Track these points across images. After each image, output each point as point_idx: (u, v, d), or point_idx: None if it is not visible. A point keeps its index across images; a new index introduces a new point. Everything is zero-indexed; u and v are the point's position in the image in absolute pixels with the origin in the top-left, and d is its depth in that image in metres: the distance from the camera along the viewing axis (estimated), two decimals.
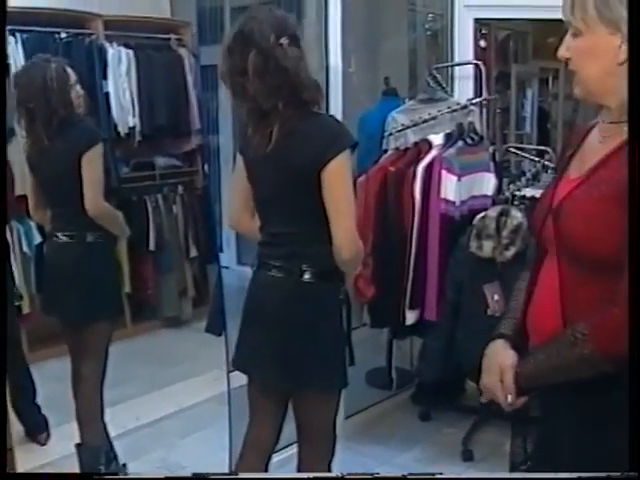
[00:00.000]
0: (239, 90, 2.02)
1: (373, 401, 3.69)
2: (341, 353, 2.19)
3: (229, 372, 3.02)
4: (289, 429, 2.33)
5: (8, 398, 2.53)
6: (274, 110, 2.02)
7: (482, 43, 5.78)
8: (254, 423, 2.35)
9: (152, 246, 4.76)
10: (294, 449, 2.35)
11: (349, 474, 1.44)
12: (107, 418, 2.90)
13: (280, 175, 2.06)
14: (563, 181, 1.48)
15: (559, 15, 3.86)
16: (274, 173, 2.07)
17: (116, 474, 1.80)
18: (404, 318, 3.12)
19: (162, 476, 2.21)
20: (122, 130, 4.56)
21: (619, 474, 1.30)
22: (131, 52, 4.63)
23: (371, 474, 1.45)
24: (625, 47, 1.33)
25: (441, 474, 1.52)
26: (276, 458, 2.46)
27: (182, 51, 4.91)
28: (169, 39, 4.95)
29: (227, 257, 5.08)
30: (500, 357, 1.53)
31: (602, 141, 1.42)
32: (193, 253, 4.94)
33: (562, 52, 1.43)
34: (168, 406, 3.71)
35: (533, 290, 1.52)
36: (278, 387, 2.25)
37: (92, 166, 2.62)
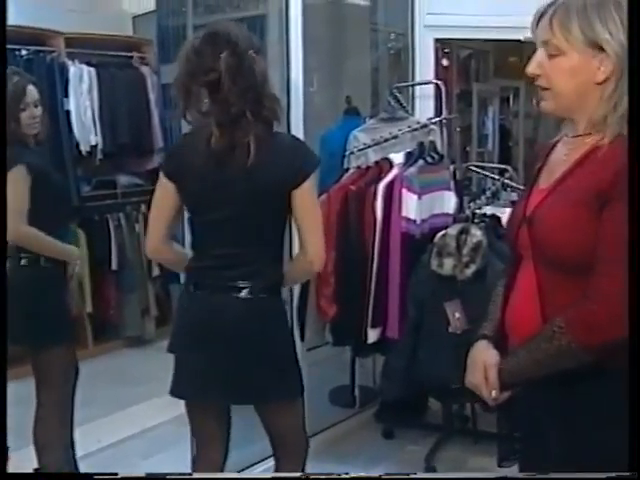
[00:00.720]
0: (210, 91, 2.02)
1: (337, 419, 3.68)
2: (296, 361, 2.25)
3: None
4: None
5: None
6: (244, 119, 2.02)
7: (444, 62, 5.85)
8: (203, 444, 2.36)
9: (114, 265, 4.72)
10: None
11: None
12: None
13: (250, 193, 2.06)
14: (534, 192, 1.56)
15: (518, 36, 3.92)
16: (243, 191, 2.06)
17: (115, 474, 1.80)
18: (366, 336, 3.13)
19: (162, 476, 2.19)
20: (84, 148, 4.53)
21: (619, 474, 1.36)
22: (93, 70, 4.61)
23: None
24: (604, 68, 1.41)
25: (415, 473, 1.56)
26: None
27: (144, 69, 4.91)
28: (131, 57, 4.95)
29: None
30: (483, 356, 1.61)
31: (567, 153, 1.51)
32: (156, 272, 4.90)
33: (533, 69, 1.49)
34: (131, 427, 3.67)
35: (510, 294, 1.60)
36: (240, 404, 2.29)
37: (8, 191, 2.40)
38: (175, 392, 2.25)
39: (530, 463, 1.65)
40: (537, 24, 1.48)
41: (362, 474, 3.22)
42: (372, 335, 3.15)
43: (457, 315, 3.00)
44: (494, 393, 1.55)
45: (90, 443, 3.39)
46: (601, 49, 1.41)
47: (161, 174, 2.18)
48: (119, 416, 3.81)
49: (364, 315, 3.11)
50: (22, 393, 2.89)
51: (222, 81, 1.98)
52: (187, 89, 2.04)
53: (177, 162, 2.15)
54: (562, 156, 1.53)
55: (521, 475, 1.48)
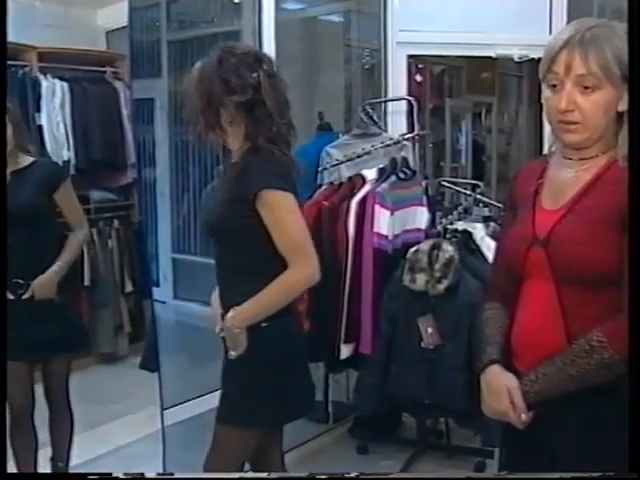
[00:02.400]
0: (247, 110, 2.04)
1: (310, 435, 3.66)
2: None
3: (163, 409, 2.99)
4: None
5: None
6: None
7: (418, 77, 5.91)
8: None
9: (87, 281, 4.67)
10: None
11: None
12: (40, 459, 2.85)
13: None
14: (539, 213, 1.59)
15: (490, 52, 3.94)
16: None
17: (109, 474, 1.79)
18: (339, 352, 3.14)
19: (160, 476, 2.20)
20: None
21: (619, 474, 1.40)
22: (65, 85, 4.59)
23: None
24: (625, 97, 1.47)
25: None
26: None
27: (118, 84, 4.89)
28: (105, 72, 4.93)
29: (164, 292, 5.02)
30: (504, 380, 1.59)
31: (576, 175, 1.55)
32: (129, 288, 4.87)
33: (567, 105, 1.49)
34: (103, 446, 3.63)
35: (519, 314, 1.61)
36: None
37: None
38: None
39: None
40: (557, 57, 1.49)
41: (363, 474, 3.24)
42: (345, 351, 3.15)
43: (430, 330, 3.02)
44: (524, 417, 1.55)
45: None
46: (626, 79, 1.45)
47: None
48: (91, 434, 3.75)
49: (337, 331, 3.12)
50: None
51: (262, 99, 2.01)
52: (217, 108, 2.04)
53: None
54: (570, 177, 1.56)
55: (521, 475, 1.48)
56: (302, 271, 2.08)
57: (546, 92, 1.55)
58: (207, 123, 2.06)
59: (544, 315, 1.55)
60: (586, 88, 1.47)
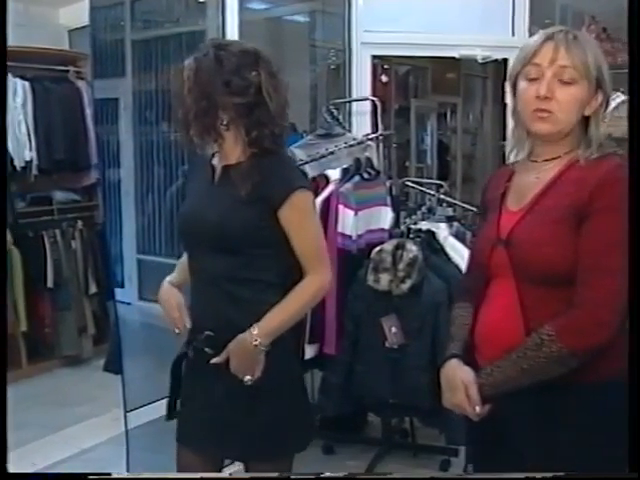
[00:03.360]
0: (244, 111, 1.93)
1: None
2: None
3: (126, 412, 2.98)
4: None
5: None
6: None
7: (384, 78, 5.94)
8: None
9: (50, 283, 4.62)
10: None
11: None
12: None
13: None
14: (504, 215, 1.64)
15: (453, 53, 3.97)
16: None
17: (109, 474, 1.77)
18: (303, 353, 3.13)
19: (159, 475, 2.13)
20: (18, 164, 4.44)
21: (619, 474, 1.45)
22: (27, 84, 4.52)
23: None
24: (595, 102, 1.57)
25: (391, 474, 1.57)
26: None
27: (81, 84, 4.83)
28: (67, 71, 4.87)
29: (129, 293, 4.98)
30: (460, 374, 1.64)
31: (538, 176, 1.60)
32: (93, 289, 4.81)
33: (546, 92, 1.54)
34: (66, 449, 3.58)
35: (482, 311, 1.66)
36: None
37: None
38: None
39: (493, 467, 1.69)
40: (539, 49, 1.56)
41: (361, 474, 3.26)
42: (309, 351, 3.15)
43: (394, 330, 3.03)
44: (478, 409, 1.59)
45: (24, 467, 3.29)
46: (598, 85, 1.56)
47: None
48: (54, 438, 3.71)
49: (301, 331, 3.11)
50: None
51: (265, 101, 1.90)
52: (215, 110, 1.92)
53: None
54: (532, 179, 1.61)
55: (520, 475, 1.50)
56: (324, 278, 1.99)
57: (522, 84, 1.60)
58: (203, 126, 1.92)
59: (505, 312, 1.59)
60: (564, 81, 1.54)
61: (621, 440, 1.54)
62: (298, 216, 1.94)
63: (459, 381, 1.62)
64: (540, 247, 1.53)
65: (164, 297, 2.11)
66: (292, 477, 2.09)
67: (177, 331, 2.06)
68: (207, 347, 1.96)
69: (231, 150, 1.98)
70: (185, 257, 2.12)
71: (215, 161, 2.05)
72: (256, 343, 1.89)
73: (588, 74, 1.53)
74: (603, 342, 1.47)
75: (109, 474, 1.68)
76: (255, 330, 1.89)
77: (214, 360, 1.93)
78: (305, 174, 2.10)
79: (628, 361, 1.44)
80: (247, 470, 2.14)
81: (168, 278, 2.14)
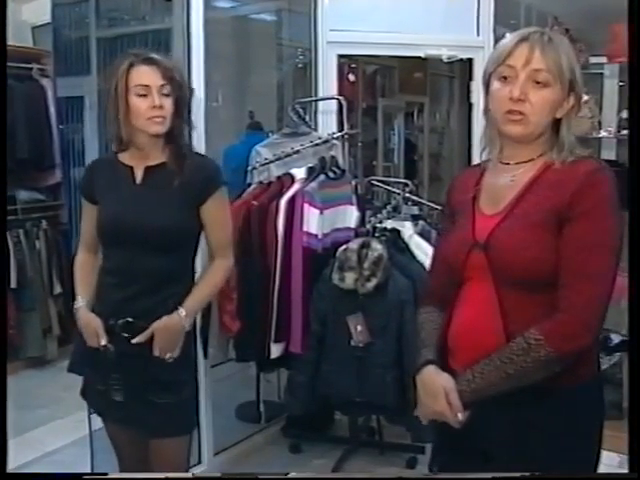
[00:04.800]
0: None
1: (243, 436, 3.66)
2: None
3: (90, 413, 2.94)
4: None
5: None
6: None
7: (351, 77, 5.93)
8: None
9: (13, 283, 4.54)
10: None
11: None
12: None
13: None
14: (478, 218, 1.63)
15: (419, 53, 3.98)
16: None
17: (105, 474, 1.78)
18: (269, 351, 3.13)
19: (158, 475, 2.19)
20: None
21: (619, 474, 1.43)
22: None
23: None
24: (568, 104, 1.56)
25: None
26: None
27: (45, 81, 4.76)
28: (31, 68, 4.80)
29: None
30: (440, 381, 1.61)
31: (513, 179, 1.60)
32: (57, 290, 4.74)
33: (519, 94, 1.54)
34: (30, 452, 3.54)
35: (456, 316, 1.64)
36: None
37: None
38: None
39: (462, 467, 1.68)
40: (513, 50, 1.55)
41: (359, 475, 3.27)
42: (275, 350, 3.14)
43: (359, 328, 3.03)
44: (460, 416, 1.57)
45: None
46: (571, 87, 1.55)
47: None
48: (18, 441, 3.64)
49: (267, 330, 3.11)
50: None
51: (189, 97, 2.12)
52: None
53: None
54: (507, 182, 1.60)
55: (520, 475, 1.51)
56: (232, 262, 2.24)
57: (495, 84, 1.59)
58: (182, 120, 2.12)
59: (484, 316, 1.58)
60: (538, 83, 1.53)
61: (594, 442, 1.58)
62: (221, 209, 2.16)
63: (439, 388, 1.58)
64: (521, 251, 1.51)
65: (83, 324, 2.19)
66: (260, 477, 2.09)
67: (103, 343, 2.13)
68: (125, 332, 2.10)
69: (151, 150, 2.12)
70: (81, 271, 2.28)
71: (127, 161, 2.16)
72: (185, 324, 2.11)
73: (562, 77, 1.53)
74: (588, 346, 1.48)
75: (105, 474, 1.67)
76: (183, 312, 2.10)
77: (136, 339, 2.08)
78: (219, 167, 2.25)
79: (628, 361, 1.45)
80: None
81: (80, 304, 2.23)
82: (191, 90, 2.23)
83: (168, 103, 2.06)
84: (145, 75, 2.05)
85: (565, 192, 1.49)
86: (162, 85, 2.05)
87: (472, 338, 1.60)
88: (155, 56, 2.09)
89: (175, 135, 2.11)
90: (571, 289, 1.47)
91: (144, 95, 2.03)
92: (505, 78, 1.56)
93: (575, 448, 1.55)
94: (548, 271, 1.49)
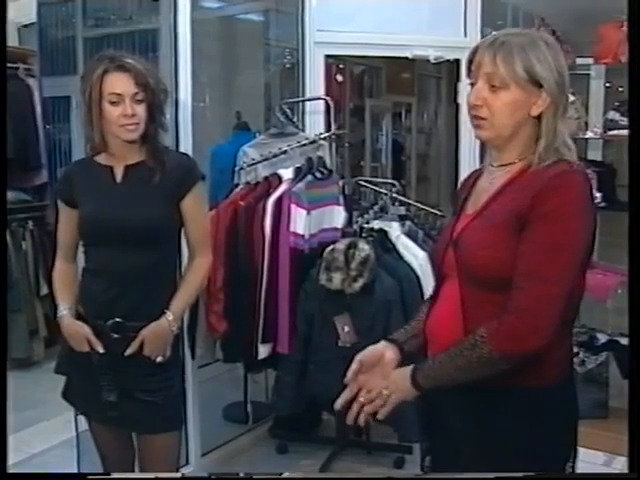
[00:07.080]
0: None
1: (231, 436, 3.65)
2: None
3: (76, 415, 2.93)
4: None
5: None
6: None
7: (339, 77, 5.93)
8: None
9: None
10: None
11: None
12: None
13: None
14: (461, 218, 1.67)
15: (406, 53, 3.98)
16: None
17: (108, 474, 1.79)
18: (257, 352, 3.12)
19: (147, 475, 2.22)
20: None
21: (619, 474, 1.44)
22: None
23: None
24: (540, 103, 1.54)
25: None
26: None
27: (31, 81, 4.76)
28: (17, 68, 4.78)
29: None
30: (375, 347, 1.75)
31: (491, 182, 1.63)
32: (44, 291, 4.72)
33: (475, 100, 1.57)
34: (16, 454, 3.51)
35: (433, 309, 1.69)
36: None
37: None
38: None
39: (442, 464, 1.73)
40: (473, 57, 1.58)
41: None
42: (263, 351, 3.14)
43: (346, 329, 3.04)
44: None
45: None
46: (539, 86, 1.53)
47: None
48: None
49: (254, 331, 3.11)
50: None
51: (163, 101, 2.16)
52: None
53: None
54: (487, 184, 1.64)
55: (519, 475, 1.52)
56: (210, 259, 2.28)
57: (467, 89, 1.62)
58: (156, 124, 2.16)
59: (449, 312, 1.62)
60: (494, 87, 1.54)
61: (562, 444, 1.59)
62: (198, 204, 2.20)
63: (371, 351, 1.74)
64: (480, 250, 1.54)
65: (70, 332, 2.18)
66: (255, 477, 2.12)
67: (101, 350, 2.14)
68: (114, 333, 2.12)
69: (128, 152, 2.15)
70: (61, 279, 2.27)
71: (106, 162, 2.18)
72: (173, 328, 2.14)
73: (516, 78, 1.53)
74: (536, 348, 1.48)
75: (108, 473, 1.67)
76: (170, 316, 2.14)
77: (128, 351, 2.11)
78: (196, 163, 2.28)
79: (629, 360, 1.46)
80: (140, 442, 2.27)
81: (64, 312, 2.21)
82: (166, 92, 2.21)
83: (141, 109, 2.08)
84: (118, 83, 2.06)
85: (527, 194, 1.49)
86: (135, 93, 2.07)
87: (439, 333, 1.65)
88: (129, 61, 2.09)
89: (150, 136, 2.14)
90: (521, 291, 1.48)
91: (117, 103, 2.05)
92: (472, 85, 1.59)
93: (541, 448, 1.55)
94: (505, 272, 1.50)
